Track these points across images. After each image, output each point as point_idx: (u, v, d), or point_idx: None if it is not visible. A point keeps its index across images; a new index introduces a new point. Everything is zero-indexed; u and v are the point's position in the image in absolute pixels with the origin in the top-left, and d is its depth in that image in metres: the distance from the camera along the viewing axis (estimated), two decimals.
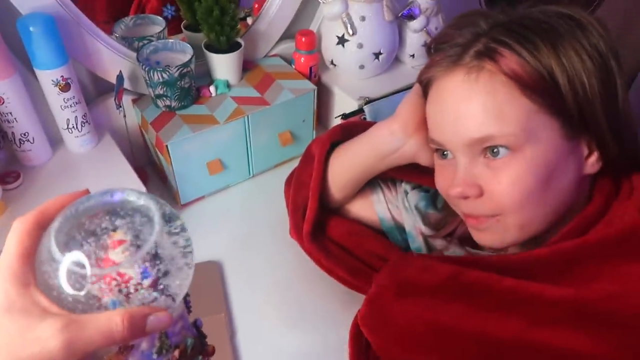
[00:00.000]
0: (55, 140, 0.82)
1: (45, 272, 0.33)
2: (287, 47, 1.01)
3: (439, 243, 0.72)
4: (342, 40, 0.94)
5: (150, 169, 0.96)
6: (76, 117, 0.77)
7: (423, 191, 0.75)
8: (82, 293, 0.32)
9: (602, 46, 0.50)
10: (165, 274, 0.33)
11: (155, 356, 0.36)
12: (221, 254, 0.83)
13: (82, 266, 0.32)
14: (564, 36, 0.50)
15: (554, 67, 0.49)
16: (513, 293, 0.51)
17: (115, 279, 0.32)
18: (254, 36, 0.96)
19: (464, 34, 0.54)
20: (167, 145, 0.80)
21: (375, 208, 0.78)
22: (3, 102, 0.70)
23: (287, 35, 1.00)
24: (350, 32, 0.93)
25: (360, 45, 0.94)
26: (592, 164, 0.54)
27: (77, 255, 0.32)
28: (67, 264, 0.32)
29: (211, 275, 0.79)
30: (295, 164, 0.80)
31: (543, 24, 0.51)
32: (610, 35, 0.52)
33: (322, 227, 0.77)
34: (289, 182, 0.80)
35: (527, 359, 0.50)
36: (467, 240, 0.68)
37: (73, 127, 0.78)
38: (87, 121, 0.79)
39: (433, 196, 0.74)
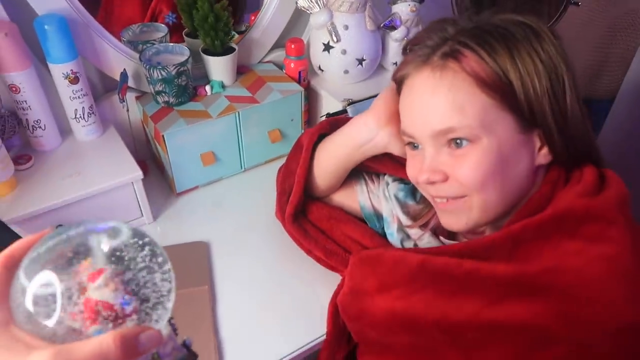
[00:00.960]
0: (64, 130, 0.91)
1: (19, 307, 0.32)
2: (280, 54, 1.10)
3: (414, 232, 0.78)
4: (327, 47, 1.03)
5: (151, 163, 1.04)
6: (83, 107, 0.86)
7: (403, 183, 0.82)
8: (58, 321, 0.32)
9: (553, 51, 0.57)
10: (146, 300, 0.34)
11: None
12: (211, 237, 0.90)
13: (53, 294, 0.32)
14: (519, 41, 0.57)
15: (509, 68, 0.56)
16: (470, 275, 0.57)
17: (95, 310, 0.32)
18: (248, 43, 1.06)
19: (433, 38, 0.61)
20: (163, 135, 0.89)
21: (357, 197, 0.85)
22: (19, 91, 0.80)
23: (279, 44, 1.10)
24: (335, 39, 1.02)
25: (344, 52, 1.03)
26: (544, 155, 0.61)
27: (45, 276, 0.32)
28: (36, 288, 0.32)
29: (198, 253, 0.86)
30: (284, 160, 0.88)
31: (502, 30, 0.58)
32: (561, 42, 0.59)
33: (305, 212, 0.84)
34: (280, 170, 0.88)
35: (483, 338, 0.56)
36: (439, 230, 0.75)
37: (80, 116, 0.87)
38: (93, 112, 0.89)
39: (412, 189, 0.81)
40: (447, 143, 0.60)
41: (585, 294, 0.52)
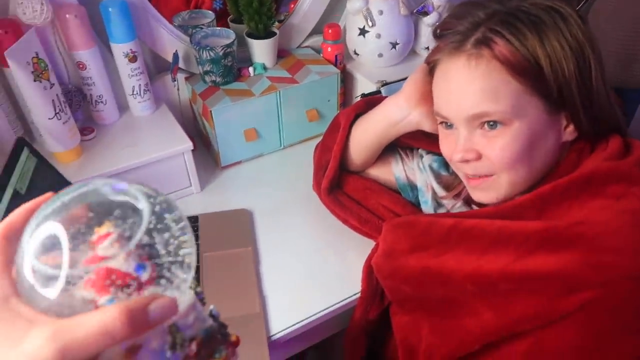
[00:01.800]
0: (122, 106, 1.00)
1: (20, 275, 0.29)
2: (317, 40, 1.17)
3: (447, 202, 0.84)
4: (363, 32, 1.09)
5: (197, 140, 1.12)
6: (140, 85, 0.95)
7: (437, 154, 0.86)
8: (63, 291, 0.28)
9: (580, 34, 0.61)
10: (163, 266, 0.30)
11: (169, 353, 0.31)
12: (252, 206, 0.97)
13: (58, 260, 0.28)
14: (548, 26, 0.61)
15: (539, 54, 0.60)
16: (501, 231, 0.62)
17: (107, 276, 0.28)
18: (288, 29, 1.13)
19: (464, 23, 0.65)
20: (211, 111, 0.96)
21: (392, 169, 0.90)
22: (85, 68, 0.89)
23: (317, 30, 1.16)
24: (370, 24, 1.08)
25: (378, 36, 1.08)
26: (570, 132, 0.66)
27: (49, 240, 0.29)
28: (39, 254, 0.29)
29: (242, 219, 0.94)
30: (320, 139, 0.94)
31: (532, 16, 0.61)
32: (588, 24, 0.62)
33: (341, 184, 0.91)
34: (317, 147, 0.95)
35: (513, 289, 0.60)
36: (471, 200, 0.78)
37: (137, 93, 0.95)
38: (148, 90, 0.97)
39: (445, 161, 0.85)
40: (480, 125, 0.64)
41: (611, 243, 0.55)
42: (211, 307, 0.36)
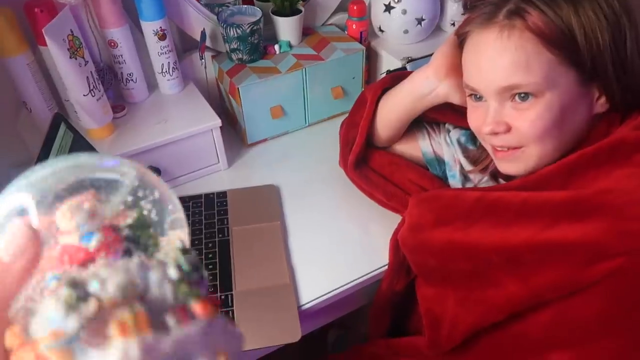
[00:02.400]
0: (151, 84, 1.01)
1: None
2: (341, 17, 1.17)
3: (474, 176, 0.84)
4: (388, 8, 1.09)
5: (224, 118, 1.14)
6: (169, 63, 0.96)
7: (464, 129, 0.86)
8: None
9: (617, 5, 0.60)
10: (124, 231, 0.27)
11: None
12: (279, 182, 0.99)
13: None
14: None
15: (573, 24, 0.59)
16: (526, 202, 0.62)
17: (60, 254, 0.25)
18: (313, 6, 1.13)
19: None
20: (238, 88, 0.98)
21: (419, 144, 0.91)
22: (117, 46, 0.90)
23: (342, 8, 1.16)
24: None
25: (404, 12, 1.08)
26: (602, 104, 0.65)
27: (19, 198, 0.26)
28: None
29: (270, 194, 0.95)
30: (345, 117, 0.95)
31: None
32: None
33: (367, 160, 0.91)
34: (343, 123, 0.96)
35: (539, 259, 0.60)
36: (499, 174, 0.79)
37: (166, 71, 0.97)
38: (176, 68, 0.99)
39: (472, 135, 0.85)
40: (510, 97, 0.64)
41: (636, 210, 0.55)
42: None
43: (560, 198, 0.60)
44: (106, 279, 0.23)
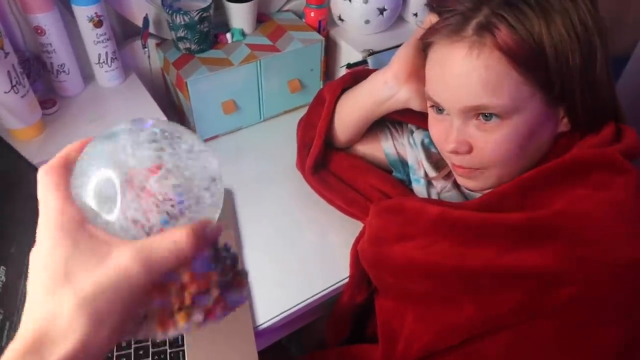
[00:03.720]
0: (87, 76, 0.91)
1: (84, 205, 0.33)
2: (299, 3, 1.09)
3: (437, 183, 0.80)
4: None
5: (170, 112, 1.05)
6: (107, 52, 0.86)
7: (427, 130, 0.82)
8: (121, 215, 0.33)
9: (590, 22, 0.55)
10: (199, 196, 0.35)
11: (213, 265, 0.37)
12: (232, 184, 0.92)
13: (113, 187, 0.33)
14: (555, 10, 0.54)
15: (545, 43, 0.54)
16: (484, 224, 0.59)
17: (157, 199, 0.33)
18: None
19: (464, 1, 0.58)
20: (186, 82, 0.89)
21: (382, 145, 0.86)
22: (44, 34, 0.79)
23: None
24: None
25: (365, 1, 1.01)
26: (565, 124, 0.62)
27: (104, 170, 0.33)
28: (96, 183, 0.33)
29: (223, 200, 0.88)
30: (302, 111, 0.88)
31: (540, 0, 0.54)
32: (598, 11, 0.57)
33: (327, 162, 0.86)
34: (300, 122, 0.89)
35: (496, 284, 0.58)
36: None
37: (104, 62, 0.87)
38: (116, 58, 0.88)
39: None
40: (475, 116, 0.60)
41: (592, 235, 0.53)
42: (225, 241, 0.41)
43: (515, 220, 0.57)
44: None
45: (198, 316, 0.36)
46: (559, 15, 0.54)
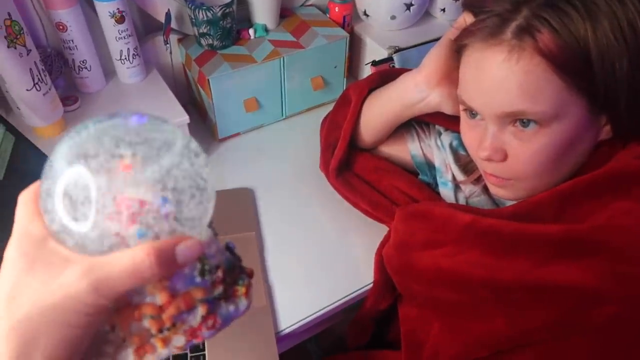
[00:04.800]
0: (108, 72, 0.90)
1: (49, 213, 0.30)
2: None
3: (465, 187, 0.77)
4: None
5: (191, 108, 1.03)
6: (128, 49, 0.85)
7: (456, 132, 0.78)
8: (93, 225, 0.29)
9: (639, 23, 0.51)
10: (185, 199, 0.31)
11: (198, 279, 0.33)
12: (253, 184, 0.90)
13: (87, 190, 0.28)
14: (602, 11, 0.50)
15: (591, 49, 0.50)
16: (518, 235, 0.56)
17: (131, 205, 0.29)
18: None
19: (502, 2, 0.54)
20: (208, 80, 0.87)
21: (408, 146, 0.83)
22: (66, 30, 0.78)
23: None
24: None
25: None
26: (606, 132, 0.58)
27: (75, 173, 0.29)
28: (65, 187, 0.29)
29: (244, 200, 0.87)
30: (325, 109, 0.86)
31: (585, 0, 0.51)
32: None
33: (351, 164, 0.83)
34: (324, 121, 0.87)
35: (529, 298, 0.55)
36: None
37: (125, 58, 0.85)
38: (137, 54, 0.87)
39: None
40: (512, 122, 0.57)
41: (634, 252, 0.50)
42: (227, 240, 0.37)
43: (553, 233, 0.54)
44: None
45: (179, 339, 0.33)
46: (606, 18, 0.50)
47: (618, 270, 0.50)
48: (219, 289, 0.34)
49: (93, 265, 0.29)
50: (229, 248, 0.37)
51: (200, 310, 0.33)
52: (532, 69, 0.52)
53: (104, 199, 0.29)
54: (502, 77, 0.54)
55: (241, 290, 0.36)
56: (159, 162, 0.30)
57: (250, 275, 0.38)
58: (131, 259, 0.29)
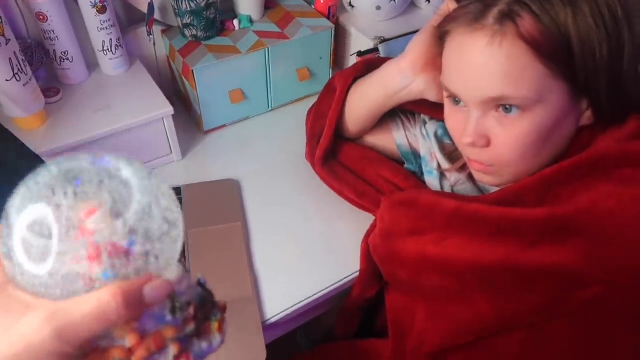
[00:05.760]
0: (91, 64, 0.89)
1: (8, 256, 0.29)
2: None
3: (450, 175, 0.77)
4: None
5: (176, 101, 1.03)
6: (111, 39, 0.84)
7: (441, 121, 0.79)
8: (55, 268, 0.28)
9: (619, 12, 0.52)
10: (153, 239, 0.30)
11: (169, 317, 0.32)
12: (239, 176, 0.90)
13: (48, 234, 0.28)
14: (584, 0, 0.51)
15: (572, 34, 0.51)
16: (502, 219, 0.56)
17: (96, 247, 0.28)
18: None
19: None
20: (193, 70, 0.86)
21: (394, 136, 0.83)
22: (47, 20, 0.77)
23: None
24: None
25: None
26: (588, 117, 0.58)
27: (35, 214, 0.28)
28: (25, 229, 0.28)
29: (229, 191, 0.86)
30: (311, 100, 0.86)
31: None
32: (629, 3, 0.53)
33: (336, 153, 0.83)
34: (310, 112, 0.86)
35: (513, 281, 0.56)
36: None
37: (108, 49, 0.85)
38: (120, 45, 0.86)
39: None
40: (495, 107, 0.57)
41: (617, 235, 0.51)
42: (198, 275, 0.37)
43: (537, 216, 0.55)
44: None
45: None
46: (586, 4, 0.51)
47: (601, 252, 0.51)
48: (191, 327, 0.33)
49: (56, 311, 0.28)
50: (200, 284, 0.36)
51: (172, 350, 0.32)
52: (514, 54, 0.53)
53: (65, 241, 0.28)
54: (485, 62, 0.55)
55: (214, 325, 0.35)
56: (127, 206, 0.30)
57: (223, 309, 0.37)
58: (96, 301, 0.28)
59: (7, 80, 0.70)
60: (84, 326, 0.28)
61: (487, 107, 0.57)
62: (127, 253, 0.29)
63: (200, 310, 0.34)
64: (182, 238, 0.32)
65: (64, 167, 0.30)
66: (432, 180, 0.79)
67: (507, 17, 0.52)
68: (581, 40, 0.51)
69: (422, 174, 0.81)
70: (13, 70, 0.70)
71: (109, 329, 0.30)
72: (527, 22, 0.51)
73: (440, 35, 0.63)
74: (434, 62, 0.67)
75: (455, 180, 0.77)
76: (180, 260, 0.34)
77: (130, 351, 0.31)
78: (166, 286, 0.31)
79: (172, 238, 0.31)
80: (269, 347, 0.68)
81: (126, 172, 0.31)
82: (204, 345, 0.34)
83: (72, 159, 0.31)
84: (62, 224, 0.28)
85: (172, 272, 0.32)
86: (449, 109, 0.65)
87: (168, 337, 0.32)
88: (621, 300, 0.52)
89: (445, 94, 0.64)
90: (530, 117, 0.55)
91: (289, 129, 0.98)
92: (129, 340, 0.31)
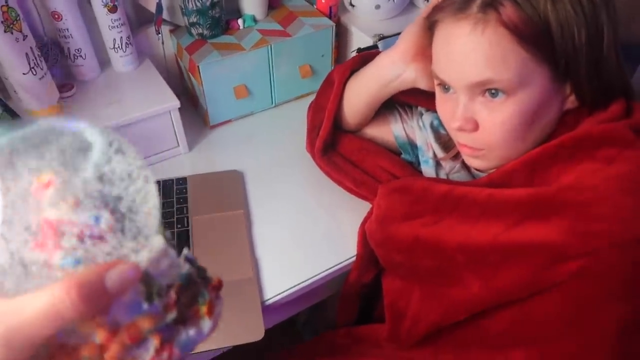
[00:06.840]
0: (102, 61, 0.93)
1: None
2: None
3: (445, 164, 0.80)
4: None
5: (184, 98, 1.07)
6: (121, 37, 0.89)
7: (436, 112, 0.82)
8: (9, 256, 0.24)
9: (598, 0, 0.55)
10: (122, 214, 0.26)
11: (146, 305, 0.28)
12: (243, 168, 0.93)
13: None
14: None
15: (551, 21, 0.54)
16: (491, 200, 0.60)
17: (55, 230, 0.24)
18: None
19: None
20: (198, 66, 0.91)
21: (391, 128, 0.87)
22: (61, 19, 0.82)
23: None
24: None
25: None
26: (572, 101, 0.61)
27: None
28: None
29: (233, 181, 0.90)
30: (313, 97, 0.89)
31: None
32: None
33: (336, 145, 0.87)
34: (310, 105, 0.90)
35: (501, 259, 0.58)
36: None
37: (118, 46, 0.89)
38: (130, 43, 0.91)
39: None
40: (482, 92, 0.60)
41: (598, 210, 0.53)
42: (185, 251, 0.32)
43: (522, 196, 0.58)
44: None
45: None
46: None
47: (582, 228, 0.53)
48: (173, 313, 0.29)
49: (3, 313, 0.24)
50: (188, 260, 0.31)
51: (153, 342, 0.28)
52: (496, 40, 0.56)
53: (15, 223, 0.24)
54: (470, 48, 0.58)
55: (202, 309, 0.31)
56: (81, 173, 0.25)
57: (217, 286, 0.32)
58: (50, 298, 0.24)
59: (23, 73, 0.75)
60: (36, 328, 0.24)
61: (474, 92, 0.60)
62: (90, 232, 0.25)
63: (184, 293, 0.30)
64: (157, 202, 0.28)
65: (8, 140, 0.26)
66: (428, 169, 0.82)
67: (489, 5, 0.56)
68: (560, 26, 0.55)
69: (419, 163, 0.84)
70: (29, 64, 0.75)
71: (69, 327, 0.26)
72: (508, 10, 0.55)
73: (430, 26, 0.66)
74: (424, 52, 0.70)
75: (450, 168, 0.80)
76: (162, 233, 0.30)
77: (102, 348, 0.27)
78: (133, 270, 0.27)
79: (145, 205, 0.27)
80: (271, 332, 0.70)
81: (87, 134, 0.27)
82: (192, 332, 0.30)
83: (26, 124, 0.27)
84: (8, 201, 0.24)
85: (151, 250, 0.28)
86: (439, 96, 0.68)
87: (146, 328, 0.28)
88: (604, 273, 0.53)
89: (435, 82, 0.67)
90: (515, 101, 0.58)
91: (292, 125, 1.02)
92: (98, 337, 0.27)
